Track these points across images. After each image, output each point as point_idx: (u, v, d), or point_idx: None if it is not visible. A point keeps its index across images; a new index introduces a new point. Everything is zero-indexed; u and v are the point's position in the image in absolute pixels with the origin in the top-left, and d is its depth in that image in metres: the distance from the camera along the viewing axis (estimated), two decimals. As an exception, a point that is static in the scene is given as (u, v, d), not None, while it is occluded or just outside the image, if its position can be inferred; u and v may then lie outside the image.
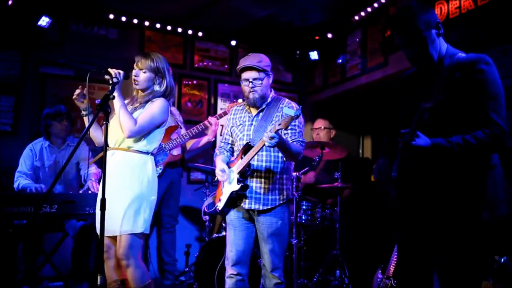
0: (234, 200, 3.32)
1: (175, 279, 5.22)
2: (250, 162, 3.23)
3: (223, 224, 4.65)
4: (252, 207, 3.28)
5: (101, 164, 3.17)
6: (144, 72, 3.29)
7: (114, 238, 3.20)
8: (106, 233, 3.10)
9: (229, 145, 3.55)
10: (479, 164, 2.31)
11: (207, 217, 4.90)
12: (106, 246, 3.22)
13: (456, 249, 2.32)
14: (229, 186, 3.34)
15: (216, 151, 3.59)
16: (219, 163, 3.42)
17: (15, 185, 4.43)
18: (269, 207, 3.29)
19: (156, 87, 3.32)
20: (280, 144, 2.98)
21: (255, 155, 3.18)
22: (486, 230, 2.31)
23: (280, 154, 3.31)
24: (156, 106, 3.27)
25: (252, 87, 3.29)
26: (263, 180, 3.30)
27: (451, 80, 2.31)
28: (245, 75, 3.31)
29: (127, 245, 3.13)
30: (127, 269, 3.17)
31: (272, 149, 3.26)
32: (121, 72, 3.12)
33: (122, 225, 3.12)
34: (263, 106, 3.38)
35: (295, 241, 4.51)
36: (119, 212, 3.12)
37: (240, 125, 3.43)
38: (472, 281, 2.34)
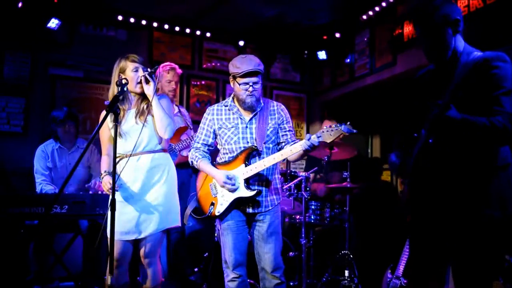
0: (234, 204, 3.26)
1: (185, 279, 5.23)
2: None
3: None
4: (256, 210, 3.27)
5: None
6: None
7: (133, 242, 3.25)
8: (134, 236, 3.19)
9: (208, 147, 3.42)
10: (488, 162, 2.31)
11: (190, 223, 4.84)
12: (121, 253, 3.21)
13: (465, 247, 2.33)
14: (232, 191, 3.24)
15: (195, 153, 3.38)
16: (214, 169, 3.29)
17: (38, 188, 4.49)
18: (269, 208, 3.29)
19: None
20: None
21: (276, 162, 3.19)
22: (497, 228, 2.31)
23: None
24: (168, 104, 3.38)
25: (251, 91, 3.22)
26: (264, 183, 3.29)
27: (467, 77, 2.33)
28: (246, 79, 3.20)
29: (156, 242, 3.24)
30: (150, 266, 3.26)
31: (270, 151, 3.27)
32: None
33: (161, 223, 3.22)
34: (258, 110, 3.33)
35: (304, 241, 4.51)
36: (154, 212, 3.21)
37: (232, 127, 3.32)
38: (481, 278, 2.34)
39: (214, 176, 3.27)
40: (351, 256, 4.64)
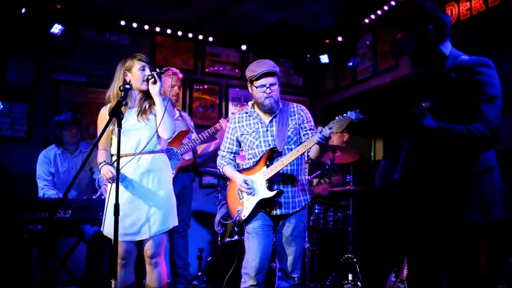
0: (260, 207, 3.31)
1: (188, 284, 5.23)
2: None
3: (236, 229, 4.65)
4: (284, 212, 3.30)
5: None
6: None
7: (137, 242, 3.27)
8: (137, 238, 3.21)
9: (233, 154, 3.53)
10: (466, 167, 2.32)
11: (221, 230, 4.89)
12: (126, 252, 3.25)
13: (449, 251, 2.36)
14: (251, 194, 3.31)
15: (221, 161, 3.52)
16: (236, 173, 3.38)
17: (40, 193, 4.50)
18: (297, 209, 3.32)
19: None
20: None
21: (294, 159, 3.21)
22: (478, 233, 2.33)
23: (300, 156, 3.34)
24: (171, 107, 3.37)
25: (269, 93, 3.29)
26: (289, 183, 3.33)
27: (451, 82, 2.36)
28: (262, 81, 3.28)
29: (160, 243, 3.26)
30: (155, 267, 3.28)
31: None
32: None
33: (162, 224, 3.23)
34: (277, 112, 3.40)
35: (307, 245, 4.50)
36: (156, 213, 3.22)
37: (253, 132, 3.40)
38: (469, 283, 2.36)
39: (234, 179, 3.37)
40: (355, 259, 4.63)
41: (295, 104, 3.50)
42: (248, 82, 3.41)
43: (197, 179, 6.11)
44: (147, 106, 3.31)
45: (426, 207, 2.40)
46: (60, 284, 4.81)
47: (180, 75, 5.12)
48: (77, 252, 4.49)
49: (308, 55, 6.89)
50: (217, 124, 5.04)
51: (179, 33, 6.15)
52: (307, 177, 4.69)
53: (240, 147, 3.53)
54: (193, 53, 6.36)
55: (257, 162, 3.34)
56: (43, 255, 4.47)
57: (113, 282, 2.86)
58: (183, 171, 5.09)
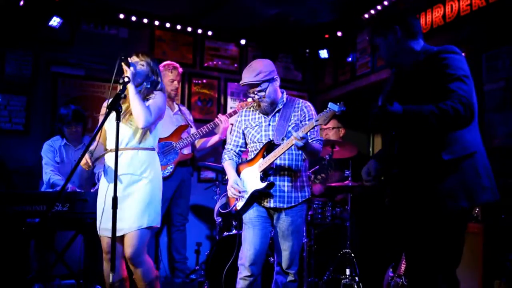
0: (255, 198, 3.33)
1: (186, 277, 5.24)
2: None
3: (234, 223, 4.65)
4: (277, 205, 3.30)
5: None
6: (142, 65, 3.31)
7: (120, 237, 3.21)
8: (117, 233, 3.14)
9: (239, 148, 3.55)
10: (446, 155, 2.33)
11: (219, 219, 4.89)
12: (109, 247, 3.18)
13: (439, 243, 2.38)
14: (250, 184, 3.33)
15: (224, 155, 3.55)
16: (231, 173, 3.40)
17: (46, 178, 4.51)
18: (293, 204, 3.32)
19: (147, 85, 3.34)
20: (306, 144, 3.02)
21: (283, 153, 3.20)
22: (466, 215, 2.41)
23: (300, 152, 3.35)
24: (160, 98, 3.33)
25: (258, 99, 3.32)
26: (286, 178, 3.33)
27: (421, 73, 2.44)
28: (248, 89, 3.33)
29: (141, 241, 3.18)
30: (138, 266, 3.21)
31: (293, 147, 3.24)
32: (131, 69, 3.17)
33: (137, 221, 3.17)
34: (280, 107, 3.40)
35: (305, 240, 4.51)
36: (134, 210, 3.17)
37: (256, 126, 3.43)
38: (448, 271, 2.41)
39: (229, 178, 3.41)
40: (353, 254, 4.64)
41: (301, 100, 3.50)
42: None
43: (195, 173, 6.11)
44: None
45: (412, 202, 2.44)
46: (57, 277, 4.80)
47: (180, 69, 5.11)
48: (75, 245, 4.48)
49: (307, 50, 6.88)
50: (216, 119, 5.04)
51: (178, 27, 6.14)
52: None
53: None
54: (192, 47, 6.34)
55: (256, 155, 3.36)
56: (40, 248, 4.47)
57: (111, 275, 2.87)
58: (181, 165, 5.09)
